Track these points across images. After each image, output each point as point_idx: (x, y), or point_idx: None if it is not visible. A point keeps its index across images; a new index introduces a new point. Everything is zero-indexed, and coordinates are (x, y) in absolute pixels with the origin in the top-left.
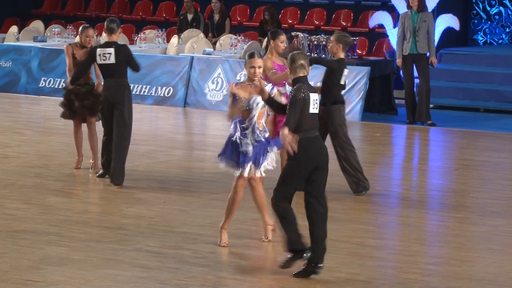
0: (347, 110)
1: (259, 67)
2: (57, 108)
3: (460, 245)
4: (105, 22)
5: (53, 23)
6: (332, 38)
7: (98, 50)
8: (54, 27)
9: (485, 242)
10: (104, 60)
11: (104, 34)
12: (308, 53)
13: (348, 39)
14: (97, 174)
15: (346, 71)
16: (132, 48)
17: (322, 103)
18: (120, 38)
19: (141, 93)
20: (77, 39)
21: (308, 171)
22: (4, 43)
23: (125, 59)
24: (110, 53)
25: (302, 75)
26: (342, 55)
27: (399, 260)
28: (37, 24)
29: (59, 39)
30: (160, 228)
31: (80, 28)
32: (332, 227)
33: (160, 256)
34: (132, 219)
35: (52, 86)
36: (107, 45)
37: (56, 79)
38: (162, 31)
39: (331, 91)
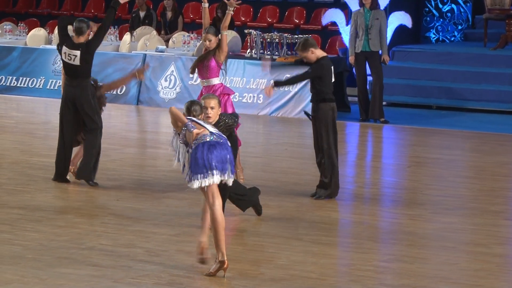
0: (300, 107)
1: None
2: (8, 106)
3: (413, 242)
4: (74, 22)
5: (4, 20)
6: (298, 52)
7: (64, 48)
8: (6, 25)
9: (437, 239)
10: (69, 60)
11: (55, 32)
12: (261, 51)
13: (309, 40)
14: (52, 178)
15: (332, 67)
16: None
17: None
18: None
19: None
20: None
21: None
22: None
23: (93, 51)
24: (75, 56)
25: None
26: (320, 53)
27: (352, 257)
28: None
29: (11, 36)
30: (113, 226)
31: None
32: (286, 224)
33: (113, 254)
34: (85, 218)
35: (4, 84)
36: (73, 46)
37: (8, 76)
38: (114, 28)
39: (322, 90)
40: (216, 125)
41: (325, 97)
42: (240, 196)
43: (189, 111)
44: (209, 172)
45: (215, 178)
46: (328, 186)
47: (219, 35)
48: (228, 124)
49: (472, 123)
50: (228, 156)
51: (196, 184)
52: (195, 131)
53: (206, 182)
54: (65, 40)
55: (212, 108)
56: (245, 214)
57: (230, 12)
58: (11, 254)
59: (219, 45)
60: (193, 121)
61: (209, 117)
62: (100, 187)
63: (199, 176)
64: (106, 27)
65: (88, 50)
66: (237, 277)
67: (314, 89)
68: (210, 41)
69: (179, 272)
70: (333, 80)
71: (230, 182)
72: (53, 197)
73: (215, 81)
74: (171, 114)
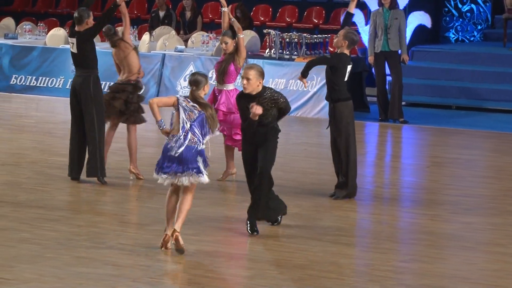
0: (319, 107)
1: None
2: (28, 105)
3: (432, 242)
4: (75, 11)
5: (24, 20)
6: (340, 32)
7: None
8: (25, 24)
9: (457, 240)
10: (71, 47)
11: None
12: (280, 51)
13: (355, 38)
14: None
15: (349, 67)
16: (103, 45)
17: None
18: None
19: None
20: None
21: None
22: None
23: (87, 40)
24: (73, 43)
25: None
26: (346, 52)
27: (371, 257)
28: (8, 21)
29: (30, 36)
30: (132, 226)
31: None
32: (304, 224)
33: (132, 253)
34: (104, 217)
35: (24, 83)
36: (72, 33)
37: (28, 76)
38: (133, 28)
39: (335, 88)
40: (261, 95)
41: (340, 97)
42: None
43: (189, 83)
44: (165, 172)
45: (166, 181)
46: (345, 186)
47: (236, 38)
48: (274, 97)
49: (491, 123)
50: (190, 158)
51: (160, 180)
52: (165, 129)
53: (165, 181)
54: (71, 26)
55: (248, 79)
56: None
57: (225, 10)
58: (30, 253)
59: (237, 48)
60: (177, 110)
61: (245, 88)
62: (119, 187)
63: (160, 172)
64: (101, 23)
65: (82, 38)
66: (255, 277)
67: (329, 87)
68: (226, 43)
69: (198, 271)
70: (345, 79)
71: (185, 182)
72: (72, 196)
73: (230, 86)
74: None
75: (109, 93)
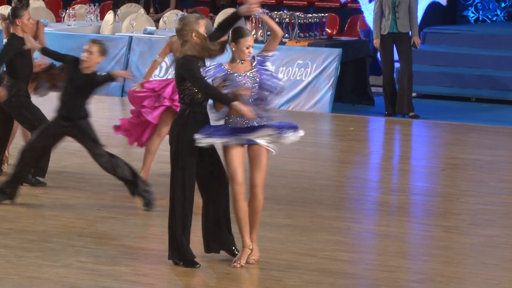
0: (314, 100)
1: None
2: None
3: (448, 259)
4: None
5: None
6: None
7: None
8: None
9: (477, 256)
10: None
11: None
12: (268, 33)
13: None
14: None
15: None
16: (59, 26)
17: None
18: (46, 14)
19: None
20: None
21: None
22: None
23: None
24: None
25: None
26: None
27: (376, 277)
28: None
29: None
30: (94, 241)
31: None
32: (297, 238)
33: (94, 273)
34: (60, 230)
35: None
36: None
37: None
38: (94, 6)
39: None
40: None
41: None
42: None
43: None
44: None
45: None
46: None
47: None
48: None
49: None
50: None
51: None
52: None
53: None
54: None
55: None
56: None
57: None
58: None
59: None
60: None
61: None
62: (78, 194)
63: None
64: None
65: None
66: None
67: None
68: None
69: None
70: None
71: None
72: (22, 206)
73: None
74: None
75: None
